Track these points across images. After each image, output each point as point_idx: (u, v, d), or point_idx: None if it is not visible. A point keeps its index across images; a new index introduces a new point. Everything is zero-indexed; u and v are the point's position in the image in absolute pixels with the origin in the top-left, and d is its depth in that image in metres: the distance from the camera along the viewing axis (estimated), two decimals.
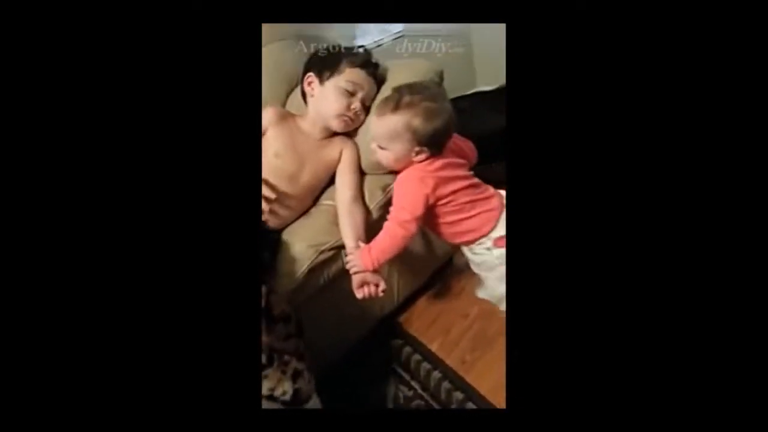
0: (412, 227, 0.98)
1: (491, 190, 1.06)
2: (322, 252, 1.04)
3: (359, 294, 1.02)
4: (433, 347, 1.28)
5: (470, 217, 1.03)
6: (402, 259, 1.27)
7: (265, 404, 0.79)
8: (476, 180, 1.06)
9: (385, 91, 0.97)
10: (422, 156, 0.97)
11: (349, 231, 1.04)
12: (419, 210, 0.97)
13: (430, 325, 1.34)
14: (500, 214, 1.02)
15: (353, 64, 1.11)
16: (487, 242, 1.05)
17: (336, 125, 1.12)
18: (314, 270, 1.04)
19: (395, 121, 0.94)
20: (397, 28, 1.75)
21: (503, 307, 1.11)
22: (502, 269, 1.07)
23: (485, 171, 1.15)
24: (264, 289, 0.85)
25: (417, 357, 1.26)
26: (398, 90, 0.97)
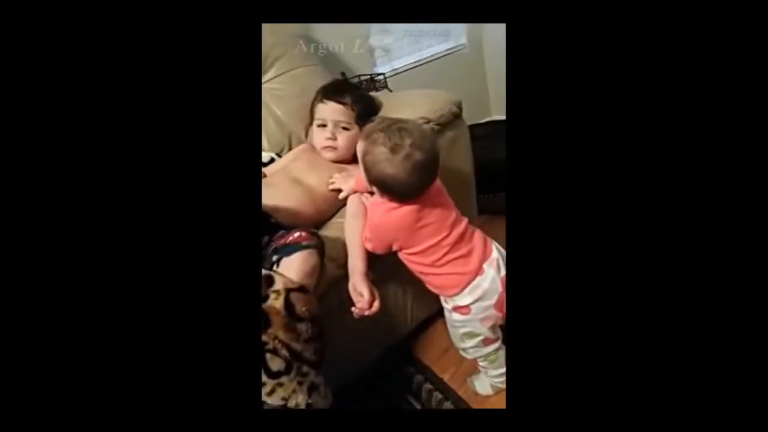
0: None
1: (477, 246, 0.98)
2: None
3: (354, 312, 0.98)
4: (446, 377, 1.24)
5: (436, 275, 0.99)
6: (416, 282, 1.25)
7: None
8: (461, 230, 0.98)
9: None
10: (377, 197, 0.97)
11: (348, 241, 1.05)
12: (380, 250, 1.00)
13: (443, 354, 1.30)
14: (471, 279, 0.96)
15: (319, 100, 1.24)
16: (449, 304, 1.03)
17: (326, 156, 1.23)
18: (328, 285, 1.03)
19: (360, 146, 0.93)
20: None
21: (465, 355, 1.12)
22: (459, 332, 1.06)
23: (493, 200, 1.14)
24: (282, 284, 0.82)
25: (428, 386, 1.22)
26: (377, 121, 0.94)
